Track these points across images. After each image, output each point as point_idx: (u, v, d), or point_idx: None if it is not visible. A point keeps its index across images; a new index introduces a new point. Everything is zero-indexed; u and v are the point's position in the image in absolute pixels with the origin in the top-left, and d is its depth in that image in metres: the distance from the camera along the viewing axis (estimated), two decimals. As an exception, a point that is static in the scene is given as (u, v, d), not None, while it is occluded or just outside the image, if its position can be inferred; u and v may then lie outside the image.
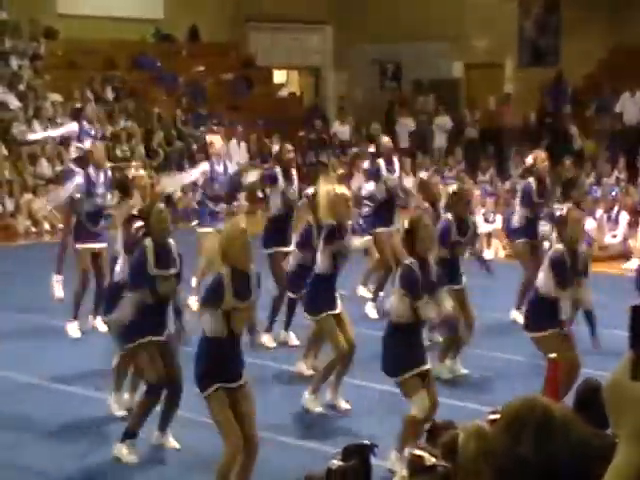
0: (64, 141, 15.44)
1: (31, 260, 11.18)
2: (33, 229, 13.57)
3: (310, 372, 6.83)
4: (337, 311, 6.26)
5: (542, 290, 5.87)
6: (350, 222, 6.47)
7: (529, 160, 8.47)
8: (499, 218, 12.02)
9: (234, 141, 16.79)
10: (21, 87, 15.63)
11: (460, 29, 18.99)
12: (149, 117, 16.77)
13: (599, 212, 11.97)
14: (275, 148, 8.44)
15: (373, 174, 8.68)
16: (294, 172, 7.83)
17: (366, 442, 3.33)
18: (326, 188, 6.35)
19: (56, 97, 16.07)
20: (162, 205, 5.80)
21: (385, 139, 9.17)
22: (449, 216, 6.96)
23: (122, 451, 5.41)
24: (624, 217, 11.87)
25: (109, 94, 16.86)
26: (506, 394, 5.66)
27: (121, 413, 5.99)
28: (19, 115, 15.14)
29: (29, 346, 7.58)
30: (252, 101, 18.85)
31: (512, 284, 8.53)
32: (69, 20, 17.02)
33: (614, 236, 11.81)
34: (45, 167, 14.80)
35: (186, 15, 18.87)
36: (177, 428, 5.70)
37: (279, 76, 21.48)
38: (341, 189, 6.38)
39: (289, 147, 7.83)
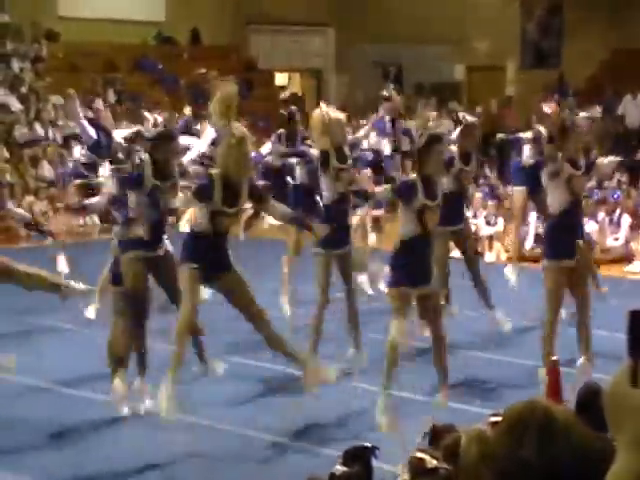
0: (65, 143, 15.48)
1: (32, 263, 11.15)
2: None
3: None
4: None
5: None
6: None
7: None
8: (501, 221, 12.01)
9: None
10: (23, 89, 15.65)
11: (462, 31, 18.99)
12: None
13: (601, 215, 11.95)
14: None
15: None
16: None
17: (367, 444, 3.32)
18: (320, 111, 6.33)
19: (57, 99, 16.09)
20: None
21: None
22: (454, 148, 7.09)
23: (117, 385, 5.59)
24: (626, 220, 11.85)
25: (111, 96, 16.87)
26: (509, 397, 5.67)
27: (126, 412, 5.90)
28: (21, 117, 15.15)
29: (32, 349, 7.57)
30: (253, 103, 18.86)
31: (514, 289, 8.52)
32: (70, 23, 17.05)
33: (616, 239, 11.79)
34: (47, 170, 14.81)
35: (187, 18, 18.89)
36: (184, 433, 5.69)
37: (281, 79, 21.50)
38: (336, 112, 6.37)
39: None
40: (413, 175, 5.44)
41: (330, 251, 6.27)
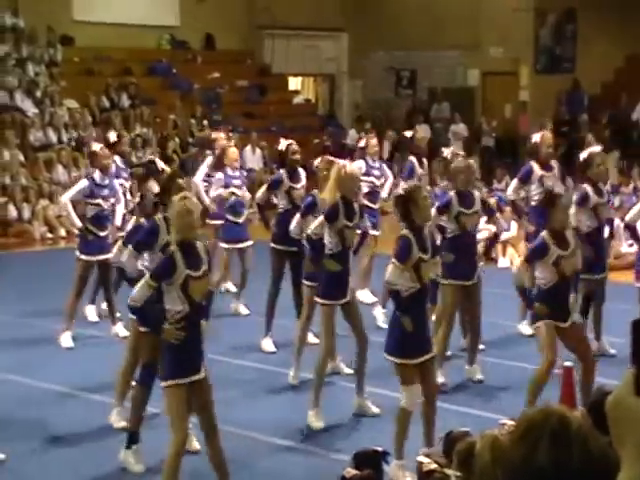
0: (80, 146, 15.55)
1: (47, 266, 11.22)
2: (49, 235, 13.63)
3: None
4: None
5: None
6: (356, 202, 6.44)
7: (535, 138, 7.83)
8: (514, 226, 11.96)
9: (249, 147, 16.82)
10: (38, 94, 15.73)
11: (476, 37, 18.96)
12: (164, 124, 16.83)
13: (616, 221, 11.89)
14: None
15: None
16: (302, 172, 7.78)
17: (379, 449, 3.31)
18: (338, 165, 6.34)
19: (72, 103, 16.16)
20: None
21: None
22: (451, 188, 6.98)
23: (128, 459, 5.39)
24: (641, 226, 11.77)
25: (125, 101, 16.93)
26: (522, 403, 5.63)
27: (122, 424, 5.87)
28: (36, 122, 15.23)
29: (44, 353, 7.58)
30: (267, 108, 18.89)
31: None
32: (85, 27, 17.13)
33: (631, 245, 11.71)
34: (61, 173, 14.87)
35: (201, 23, 18.95)
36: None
37: (294, 83, 21.53)
38: (352, 167, 6.40)
39: (294, 147, 7.76)
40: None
41: (335, 301, 6.21)
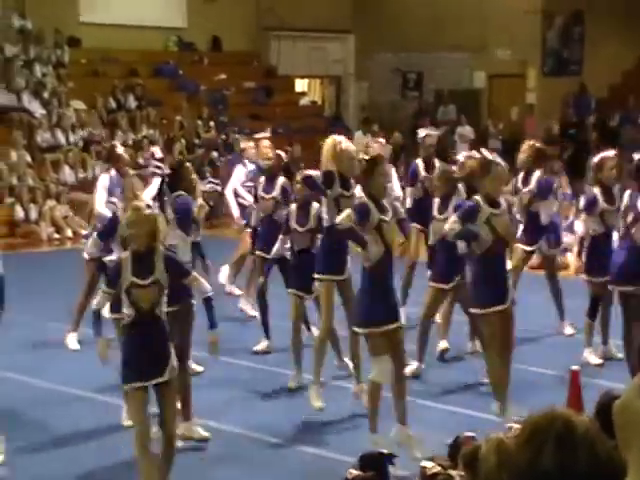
0: (89, 147, 15.59)
1: (54, 267, 11.23)
2: (56, 235, 13.65)
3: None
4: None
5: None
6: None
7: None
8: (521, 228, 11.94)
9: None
10: (45, 95, 15.77)
11: (483, 39, 18.94)
12: (171, 125, 16.86)
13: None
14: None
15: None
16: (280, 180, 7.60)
17: (384, 451, 3.30)
18: (332, 140, 6.23)
19: (79, 105, 16.19)
20: None
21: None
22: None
23: None
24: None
25: (131, 102, 16.96)
26: (530, 406, 5.62)
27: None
28: (43, 123, 15.27)
29: (51, 354, 7.59)
30: (273, 110, 18.90)
31: (534, 296, 8.44)
32: (92, 28, 17.16)
33: None
34: (68, 174, 14.90)
35: (208, 24, 18.97)
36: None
37: (301, 85, 21.54)
38: (347, 143, 6.28)
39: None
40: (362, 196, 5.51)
41: (332, 276, 6.22)
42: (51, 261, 12.02)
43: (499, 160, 6.06)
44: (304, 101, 20.55)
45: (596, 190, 7.07)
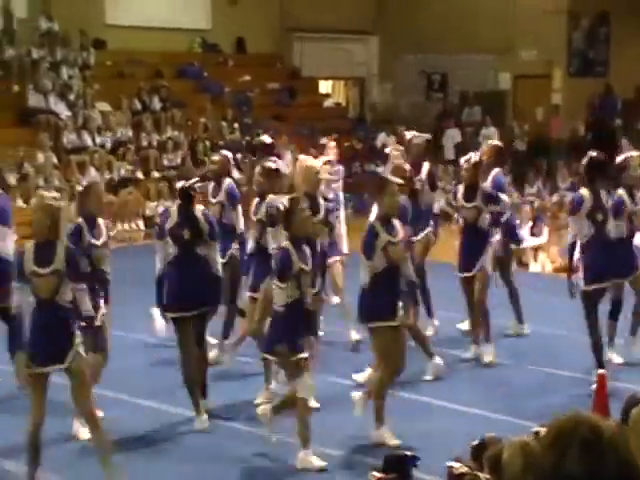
0: (116, 148, 15.68)
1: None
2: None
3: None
4: None
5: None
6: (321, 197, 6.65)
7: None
8: (546, 231, 11.87)
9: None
10: (71, 97, 15.90)
11: (508, 40, 18.84)
12: (195, 127, 16.93)
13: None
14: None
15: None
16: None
17: (407, 453, 3.29)
18: (300, 161, 6.65)
19: (104, 106, 16.31)
20: None
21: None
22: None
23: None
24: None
25: (156, 103, 17.05)
26: (551, 409, 5.57)
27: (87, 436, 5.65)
28: (69, 124, 15.40)
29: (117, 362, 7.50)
30: (297, 111, 18.93)
31: (557, 299, 8.38)
32: (117, 30, 17.28)
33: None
34: (93, 176, 15.00)
35: (232, 26, 19.04)
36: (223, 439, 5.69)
37: (325, 87, 21.56)
38: (312, 162, 6.64)
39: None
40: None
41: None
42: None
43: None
44: (328, 103, 20.55)
45: (583, 192, 6.85)
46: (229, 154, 7.81)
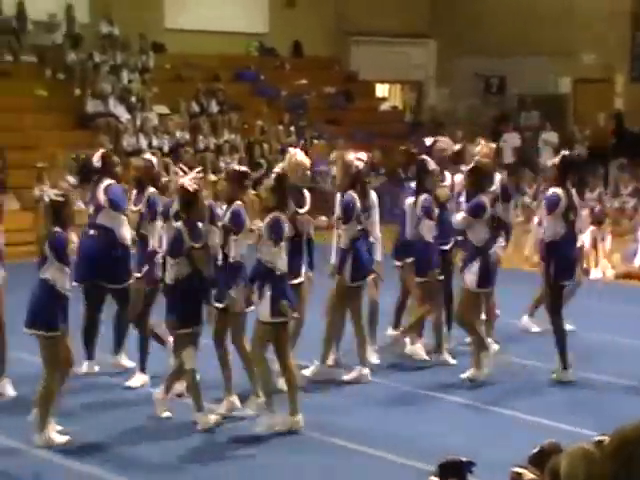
0: (173, 151, 15.84)
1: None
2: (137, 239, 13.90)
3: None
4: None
5: None
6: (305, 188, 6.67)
7: None
8: (609, 238, 11.63)
9: (334, 154, 16.82)
10: (132, 99, 16.14)
11: (568, 43, 18.55)
12: (252, 130, 17.03)
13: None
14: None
15: None
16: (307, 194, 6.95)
17: (464, 459, 3.23)
18: (290, 155, 6.70)
19: (162, 109, 16.51)
20: None
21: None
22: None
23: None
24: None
25: (213, 106, 17.21)
26: (612, 418, 5.43)
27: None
28: (129, 127, 15.62)
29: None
30: (353, 115, 18.91)
31: (618, 307, 8.22)
32: (176, 34, 17.50)
33: None
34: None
35: (290, 30, 19.12)
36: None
37: (381, 90, 21.50)
38: (302, 157, 6.69)
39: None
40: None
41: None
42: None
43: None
44: (384, 106, 20.49)
45: (558, 190, 6.80)
46: (154, 159, 7.36)
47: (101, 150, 7.55)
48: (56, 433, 5.69)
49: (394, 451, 5.60)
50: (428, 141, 7.88)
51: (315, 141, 17.19)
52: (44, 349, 5.56)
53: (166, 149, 15.85)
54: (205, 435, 5.89)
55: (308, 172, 6.73)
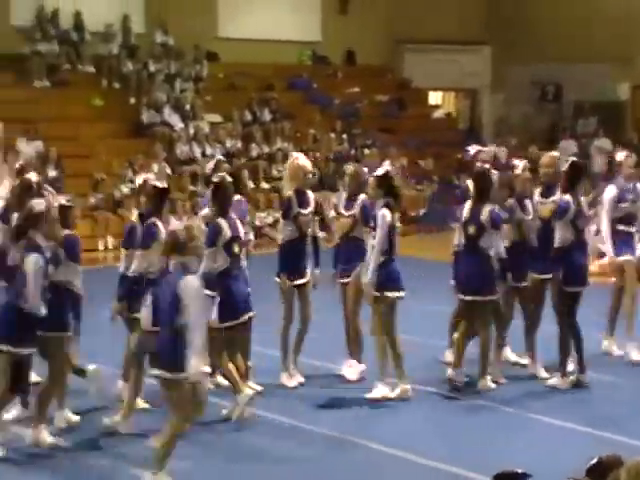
0: (231, 160, 15.91)
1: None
2: (192, 245, 13.99)
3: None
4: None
5: None
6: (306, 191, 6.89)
7: None
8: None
9: (387, 162, 16.74)
10: (186, 108, 16.29)
11: (626, 49, 18.19)
12: (304, 138, 17.04)
13: None
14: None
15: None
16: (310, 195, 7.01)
17: (519, 470, 3.13)
18: (292, 159, 6.97)
19: (215, 118, 16.64)
20: None
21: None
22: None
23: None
24: None
25: (266, 115, 17.27)
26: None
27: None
28: (182, 136, 15.77)
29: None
30: (406, 123, 18.81)
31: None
32: (229, 43, 17.63)
33: None
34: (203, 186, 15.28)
35: (342, 38, 19.12)
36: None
37: (434, 98, 21.36)
38: (303, 161, 6.90)
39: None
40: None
41: (292, 282, 6.84)
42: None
43: None
44: (437, 114, 20.34)
45: (568, 197, 6.78)
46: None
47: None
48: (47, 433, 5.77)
49: (451, 462, 5.50)
50: (472, 150, 7.78)
51: (366, 149, 17.14)
52: (56, 349, 5.72)
53: (219, 157, 15.94)
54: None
55: (310, 175, 6.94)
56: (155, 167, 14.94)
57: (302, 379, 6.96)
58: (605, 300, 7.85)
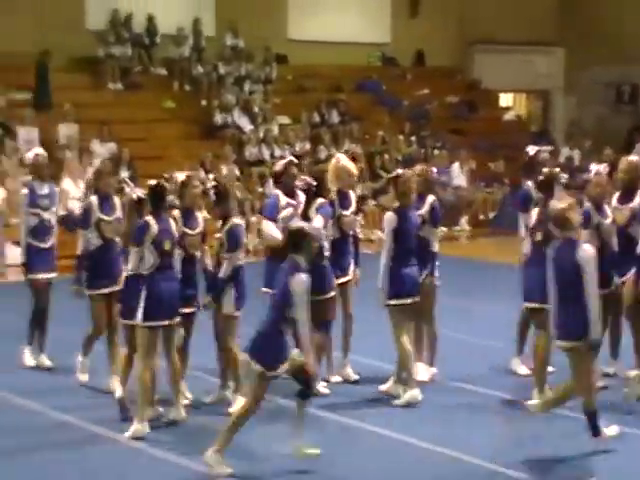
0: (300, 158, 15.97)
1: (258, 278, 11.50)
2: (261, 247, 14.03)
3: None
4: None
5: None
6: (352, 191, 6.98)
7: None
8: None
9: (457, 164, 16.57)
10: (255, 110, 16.39)
11: None
12: (373, 140, 16.96)
13: None
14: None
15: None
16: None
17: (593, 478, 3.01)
18: (336, 160, 6.98)
19: (284, 120, 16.69)
20: None
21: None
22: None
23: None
24: None
25: (334, 117, 17.25)
26: None
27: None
28: (251, 138, 15.86)
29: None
30: (476, 124, 18.56)
31: None
32: (298, 45, 17.67)
33: None
34: (272, 187, 15.32)
35: (412, 40, 18.99)
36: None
37: (505, 100, 21.04)
38: (346, 162, 6.96)
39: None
40: None
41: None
42: (254, 273, 12.33)
43: None
44: (508, 116, 20.02)
45: (588, 204, 6.84)
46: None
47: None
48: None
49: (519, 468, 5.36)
50: (531, 150, 7.55)
51: (436, 151, 16.98)
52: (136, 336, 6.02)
53: (290, 158, 15.96)
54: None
55: (352, 176, 6.97)
56: (224, 169, 15.09)
57: (356, 376, 7.04)
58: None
